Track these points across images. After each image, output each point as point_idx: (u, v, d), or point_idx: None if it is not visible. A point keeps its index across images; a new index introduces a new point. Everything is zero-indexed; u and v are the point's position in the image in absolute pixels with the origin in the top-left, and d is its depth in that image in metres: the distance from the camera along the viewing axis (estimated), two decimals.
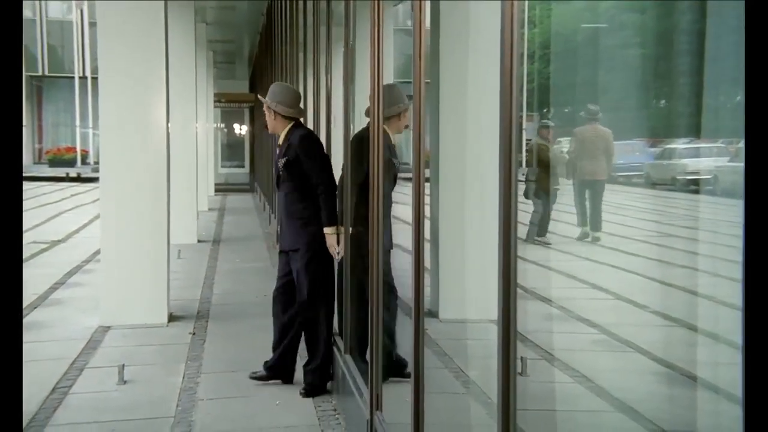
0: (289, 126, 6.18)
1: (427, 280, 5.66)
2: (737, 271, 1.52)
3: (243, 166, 31.64)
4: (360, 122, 6.90)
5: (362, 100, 5.32)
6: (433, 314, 6.42)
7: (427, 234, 6.24)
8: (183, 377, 6.40)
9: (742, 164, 1.50)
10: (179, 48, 13.51)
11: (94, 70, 15.63)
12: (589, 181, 10.01)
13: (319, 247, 5.92)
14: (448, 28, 6.69)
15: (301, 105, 6.36)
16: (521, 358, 5.02)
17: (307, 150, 6.04)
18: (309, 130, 6.48)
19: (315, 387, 5.91)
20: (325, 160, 6.16)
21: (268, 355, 6.22)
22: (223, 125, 32.02)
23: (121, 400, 5.82)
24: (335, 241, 5.91)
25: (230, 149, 31.99)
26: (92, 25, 36.08)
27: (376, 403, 4.50)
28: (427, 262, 6.70)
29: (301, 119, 6.35)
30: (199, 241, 14.29)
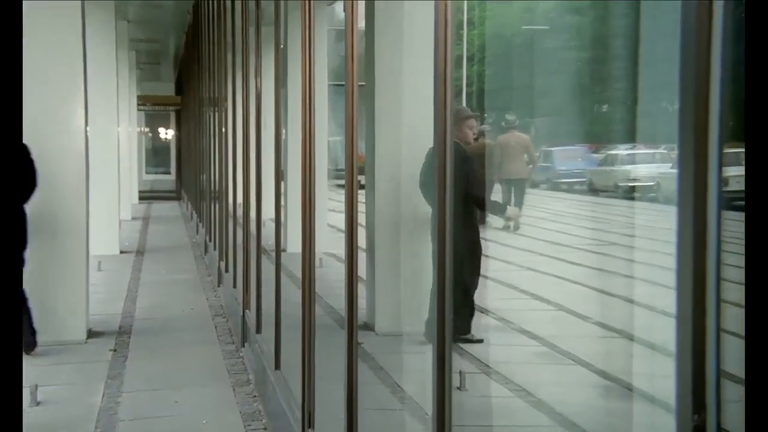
0: None
1: (362, 291, 5.67)
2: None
3: (169, 173, 31.25)
4: (293, 128, 6.91)
5: (295, 104, 5.31)
6: (369, 327, 6.44)
7: (362, 242, 6.26)
8: (103, 396, 6.28)
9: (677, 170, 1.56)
10: (99, 47, 13.30)
11: None
12: (512, 180, 11.63)
13: None
14: (383, 28, 6.73)
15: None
16: (459, 372, 5.05)
17: None
18: None
19: None
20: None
21: (195, 370, 6.15)
22: (147, 129, 31.61)
23: (33, 423, 5.68)
24: None
25: (155, 155, 31.58)
26: None
27: (308, 421, 4.49)
28: (363, 272, 6.72)
29: None
30: (121, 252, 14.07)
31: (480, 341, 6.34)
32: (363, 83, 6.48)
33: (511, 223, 11.53)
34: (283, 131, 6.18)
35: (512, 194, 12.06)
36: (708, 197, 1.52)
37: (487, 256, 7.47)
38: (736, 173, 1.64)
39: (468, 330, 6.27)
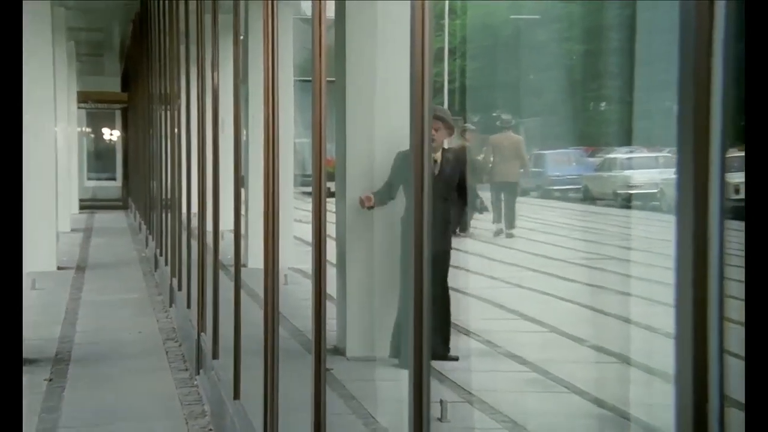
0: None
1: (331, 311, 5.68)
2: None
3: (114, 179, 31.08)
4: (254, 129, 6.92)
5: (257, 101, 5.34)
6: (339, 351, 6.45)
7: (331, 257, 6.27)
8: None
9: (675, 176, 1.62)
10: (33, 37, 13.22)
11: None
12: (503, 183, 12.15)
13: None
14: (355, 18, 6.77)
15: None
16: (440, 401, 5.08)
17: None
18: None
19: None
20: None
21: (143, 401, 6.14)
22: (89, 130, 31.44)
23: None
24: None
25: (99, 158, 31.39)
26: None
27: None
28: (333, 289, 6.73)
29: None
30: (59, 268, 13.98)
31: (455, 359, 6.41)
32: (332, 79, 6.51)
33: (503, 228, 12.03)
34: (244, 132, 6.21)
35: (502, 199, 12.47)
36: (709, 205, 1.54)
37: (469, 271, 7.51)
38: (741, 179, 1.69)
39: (447, 350, 6.41)
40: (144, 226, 17.63)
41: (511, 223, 12.48)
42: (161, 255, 12.65)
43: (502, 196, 12.36)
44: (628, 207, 13.16)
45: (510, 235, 12.27)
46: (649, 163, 12.63)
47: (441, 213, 6.37)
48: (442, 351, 6.27)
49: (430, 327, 2.52)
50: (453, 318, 6.79)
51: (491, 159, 12.37)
